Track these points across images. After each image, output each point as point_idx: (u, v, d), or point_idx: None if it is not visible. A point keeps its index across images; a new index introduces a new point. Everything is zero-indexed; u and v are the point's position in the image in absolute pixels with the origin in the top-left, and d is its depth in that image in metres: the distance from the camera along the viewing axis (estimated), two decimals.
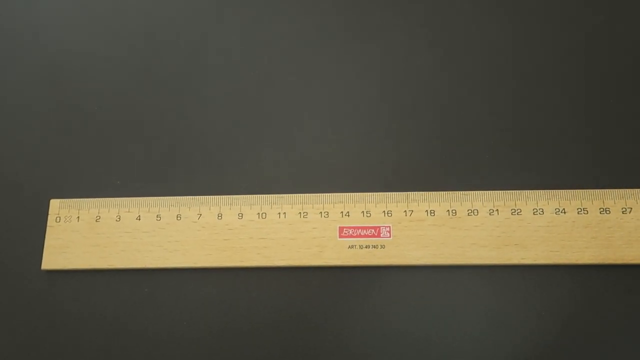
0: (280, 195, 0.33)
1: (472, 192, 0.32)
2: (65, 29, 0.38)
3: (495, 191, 0.32)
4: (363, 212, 0.32)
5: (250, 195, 0.33)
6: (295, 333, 0.32)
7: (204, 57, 0.37)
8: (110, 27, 0.38)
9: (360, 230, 0.32)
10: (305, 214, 0.32)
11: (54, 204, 0.33)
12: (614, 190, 0.32)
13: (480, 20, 0.36)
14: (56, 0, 0.39)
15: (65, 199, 0.33)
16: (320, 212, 0.32)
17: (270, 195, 0.33)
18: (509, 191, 0.32)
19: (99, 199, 0.33)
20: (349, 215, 0.32)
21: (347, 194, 0.33)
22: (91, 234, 0.32)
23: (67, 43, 0.37)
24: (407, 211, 0.32)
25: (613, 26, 0.36)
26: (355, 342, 0.32)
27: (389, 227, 0.32)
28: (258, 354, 0.32)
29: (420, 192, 0.32)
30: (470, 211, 0.32)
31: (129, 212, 0.32)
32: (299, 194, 0.33)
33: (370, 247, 0.31)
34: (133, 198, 0.33)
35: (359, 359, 0.31)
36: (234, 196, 0.33)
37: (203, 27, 0.37)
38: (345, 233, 0.32)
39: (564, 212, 0.31)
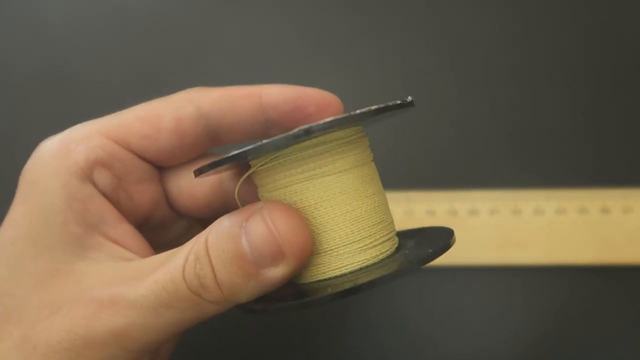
0: None
1: (472, 192, 0.32)
2: (66, 28, 0.38)
3: (495, 191, 0.32)
4: None
5: None
6: (295, 333, 0.32)
7: (203, 57, 0.37)
8: (111, 27, 0.38)
9: None
10: None
11: None
12: (614, 190, 0.32)
13: (480, 19, 0.36)
14: (57, 0, 0.39)
15: None
16: None
17: None
18: (509, 191, 0.32)
19: None
20: None
21: None
22: None
23: (67, 43, 0.37)
24: (407, 211, 0.32)
25: (613, 26, 0.36)
26: (355, 342, 0.32)
27: None
28: (258, 354, 0.32)
29: (420, 192, 0.32)
30: (470, 211, 0.32)
31: None
32: None
33: None
34: None
35: (358, 358, 0.31)
36: None
37: (203, 27, 0.37)
38: None
39: (564, 212, 0.31)
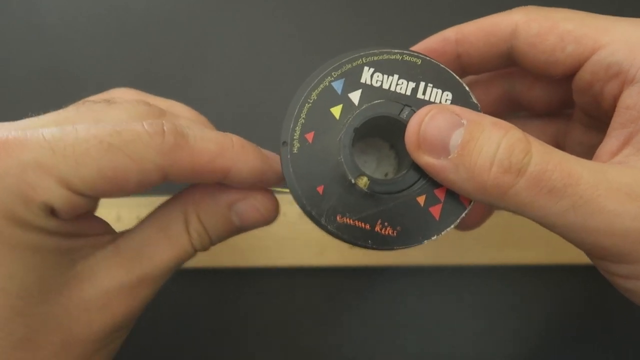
0: (281, 194, 0.33)
1: None
2: (66, 28, 0.38)
3: None
4: None
5: None
6: (296, 333, 0.32)
7: (203, 57, 0.37)
8: (111, 27, 0.38)
9: None
10: None
11: None
12: None
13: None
14: (57, 0, 0.39)
15: None
16: None
17: None
18: None
19: None
20: None
21: None
22: None
23: (67, 43, 0.37)
24: None
25: None
26: (355, 342, 0.32)
27: None
28: (258, 354, 0.32)
29: None
30: None
31: (129, 211, 0.32)
32: None
33: None
34: (133, 198, 0.33)
35: (358, 358, 0.31)
36: None
37: (203, 27, 0.37)
38: None
39: None
